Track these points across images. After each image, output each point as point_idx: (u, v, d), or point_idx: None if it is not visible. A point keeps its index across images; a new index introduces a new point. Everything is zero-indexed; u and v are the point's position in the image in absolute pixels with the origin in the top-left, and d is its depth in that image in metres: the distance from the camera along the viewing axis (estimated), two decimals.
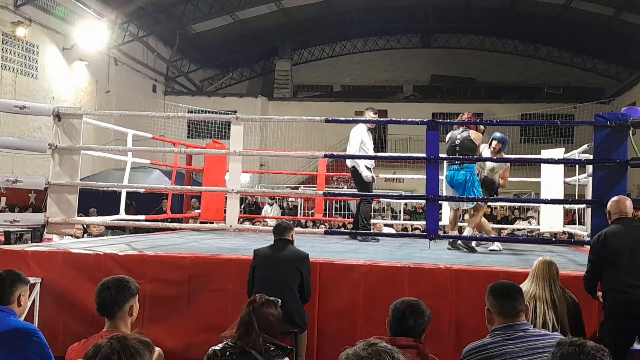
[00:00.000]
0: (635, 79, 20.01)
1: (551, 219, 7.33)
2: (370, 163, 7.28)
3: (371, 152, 7.35)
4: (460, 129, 6.33)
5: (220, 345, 2.65)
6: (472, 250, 5.99)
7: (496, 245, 6.33)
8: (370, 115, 7.19)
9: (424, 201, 5.69)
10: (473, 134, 6.22)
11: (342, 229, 10.85)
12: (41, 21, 15.86)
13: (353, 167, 7.20)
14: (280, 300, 2.89)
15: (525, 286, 3.55)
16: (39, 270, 4.73)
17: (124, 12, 18.48)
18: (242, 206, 14.37)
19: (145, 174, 13.45)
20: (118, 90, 19.25)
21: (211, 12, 20.73)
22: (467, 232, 6.42)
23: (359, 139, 7.08)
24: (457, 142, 6.24)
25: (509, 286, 2.85)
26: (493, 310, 2.78)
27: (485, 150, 6.59)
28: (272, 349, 2.64)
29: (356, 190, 7.53)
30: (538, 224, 9.20)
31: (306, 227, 11.54)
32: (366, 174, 7.03)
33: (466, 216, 6.96)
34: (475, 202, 6.18)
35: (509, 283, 2.90)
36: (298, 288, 4.12)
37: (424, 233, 5.16)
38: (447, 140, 6.43)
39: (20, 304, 3.06)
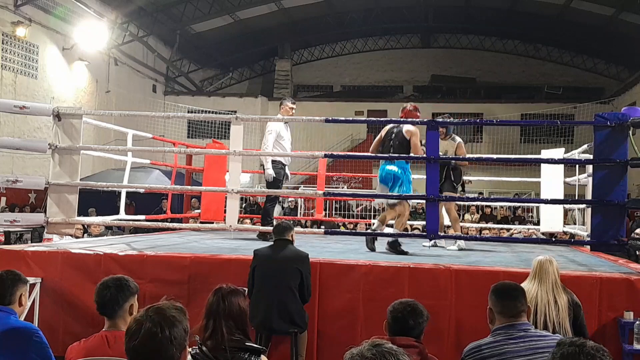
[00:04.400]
0: (635, 79, 20.01)
1: (551, 219, 7.33)
2: (287, 159, 6.76)
3: (288, 147, 6.72)
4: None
5: (189, 355, 2.48)
6: (401, 252, 5.48)
7: (457, 245, 6.15)
8: (288, 105, 6.66)
9: (424, 201, 5.67)
10: (405, 128, 5.75)
11: (342, 229, 10.86)
12: (41, 21, 15.86)
13: (262, 164, 6.79)
14: (246, 289, 2.81)
15: (525, 286, 3.54)
16: (39, 270, 4.73)
17: (124, 12, 18.49)
18: (243, 206, 14.37)
19: (145, 174, 13.45)
20: (118, 90, 19.26)
21: (211, 12, 20.74)
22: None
23: (275, 134, 6.54)
24: (393, 135, 5.84)
25: (511, 286, 2.89)
26: (495, 309, 2.80)
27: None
28: (242, 354, 2.49)
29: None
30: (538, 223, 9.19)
31: (306, 227, 11.53)
32: (268, 173, 6.52)
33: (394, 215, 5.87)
34: (398, 200, 5.63)
35: (511, 283, 2.95)
36: (298, 288, 4.12)
37: (424, 233, 5.15)
38: (384, 133, 5.94)
39: (22, 304, 3.07)
